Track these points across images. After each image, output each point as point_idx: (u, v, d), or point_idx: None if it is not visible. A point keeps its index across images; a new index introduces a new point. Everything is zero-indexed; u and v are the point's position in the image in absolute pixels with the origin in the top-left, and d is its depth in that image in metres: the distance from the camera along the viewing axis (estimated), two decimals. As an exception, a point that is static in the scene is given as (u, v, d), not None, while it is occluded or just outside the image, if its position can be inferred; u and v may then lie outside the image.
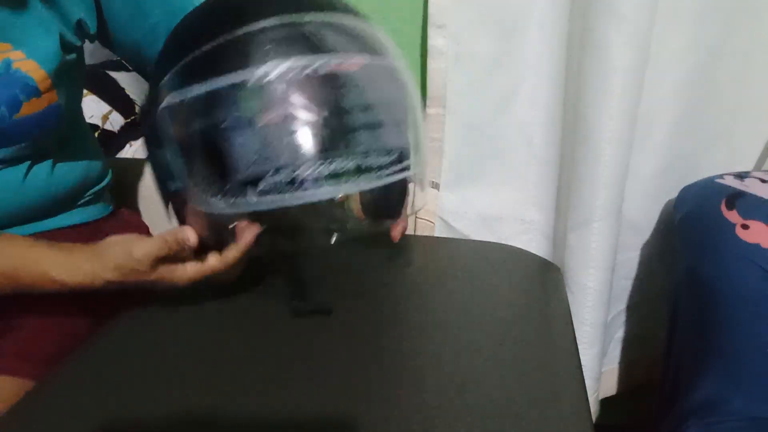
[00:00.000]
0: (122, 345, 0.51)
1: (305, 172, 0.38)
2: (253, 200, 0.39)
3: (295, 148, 0.39)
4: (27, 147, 0.52)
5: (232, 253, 0.46)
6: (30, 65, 0.49)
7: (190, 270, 0.46)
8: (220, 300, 0.56)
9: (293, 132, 0.39)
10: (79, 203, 0.62)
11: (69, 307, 0.58)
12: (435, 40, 0.67)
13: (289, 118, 0.39)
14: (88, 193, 0.62)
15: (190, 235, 0.44)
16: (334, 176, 0.39)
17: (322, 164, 0.39)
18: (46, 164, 0.56)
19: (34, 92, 0.49)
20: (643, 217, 0.75)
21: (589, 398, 0.45)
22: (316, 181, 0.39)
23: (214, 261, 0.46)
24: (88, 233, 0.62)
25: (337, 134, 0.39)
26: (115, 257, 0.45)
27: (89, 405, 0.43)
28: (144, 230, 0.72)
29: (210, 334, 0.51)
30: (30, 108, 0.49)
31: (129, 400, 0.43)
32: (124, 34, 0.56)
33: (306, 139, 0.39)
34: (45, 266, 0.46)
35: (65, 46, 0.51)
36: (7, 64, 0.48)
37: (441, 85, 0.69)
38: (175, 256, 0.45)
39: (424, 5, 0.67)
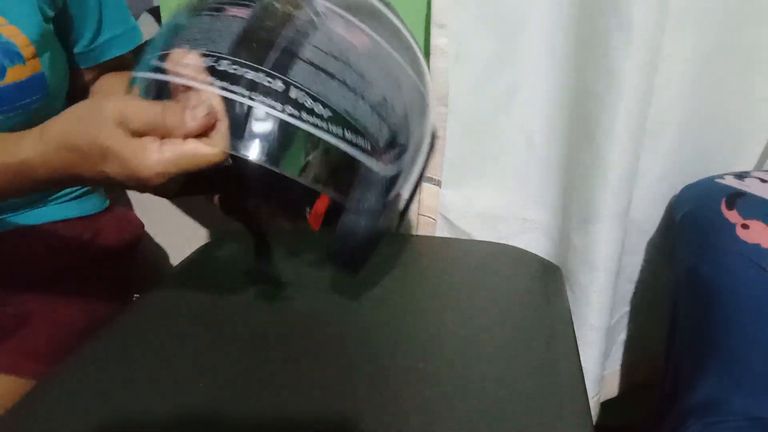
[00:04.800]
0: (122, 345, 0.51)
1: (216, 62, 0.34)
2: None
3: (222, 33, 0.36)
4: (14, 119, 0.52)
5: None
6: (12, 30, 0.49)
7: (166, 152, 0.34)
8: (220, 299, 0.56)
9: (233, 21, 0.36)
10: (73, 195, 0.62)
11: (70, 307, 0.58)
12: (437, 39, 0.67)
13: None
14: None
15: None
16: (250, 86, 0.34)
17: (235, 63, 0.34)
18: None
19: (18, 58, 0.49)
20: (648, 220, 0.74)
21: (590, 400, 0.45)
22: (228, 77, 0.34)
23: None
24: (82, 227, 0.62)
25: (275, 48, 0.35)
26: (74, 113, 0.36)
27: (89, 405, 0.43)
28: (139, 226, 0.72)
29: (210, 333, 0.51)
30: (15, 75, 0.50)
31: (129, 399, 0.43)
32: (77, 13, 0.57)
33: (237, 29, 0.36)
34: None
35: (43, 15, 0.52)
36: None
37: (443, 84, 0.69)
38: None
39: (427, 5, 0.67)
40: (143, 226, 0.72)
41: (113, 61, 0.63)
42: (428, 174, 0.74)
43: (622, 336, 0.82)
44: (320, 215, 0.41)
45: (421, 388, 0.44)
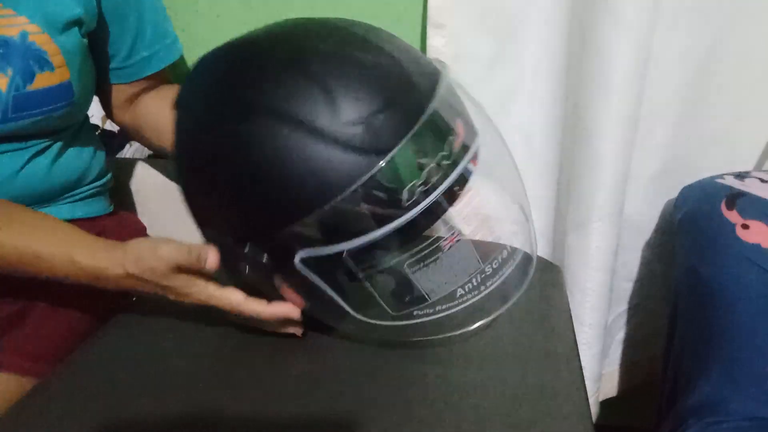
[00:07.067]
0: (122, 345, 0.51)
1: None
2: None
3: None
4: (38, 123, 0.53)
5: (268, 309, 0.45)
6: (44, 38, 0.50)
7: (210, 290, 0.45)
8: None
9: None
10: (81, 197, 0.62)
11: (70, 307, 0.59)
12: (434, 40, 0.67)
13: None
14: (89, 188, 0.62)
15: (211, 257, 0.44)
16: None
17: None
18: (50, 153, 0.57)
19: (47, 65, 0.51)
20: (644, 218, 0.75)
21: (590, 399, 0.45)
22: None
23: (238, 297, 0.45)
24: (87, 229, 0.63)
25: None
26: (139, 250, 0.45)
27: (89, 405, 0.43)
28: (142, 231, 0.72)
29: (210, 334, 0.51)
30: (43, 81, 0.51)
31: (129, 399, 0.43)
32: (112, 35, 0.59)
33: None
34: (68, 246, 0.47)
35: (79, 27, 0.53)
36: (24, 36, 0.50)
37: (440, 86, 0.69)
38: (194, 271, 0.45)
39: (424, 5, 0.67)
40: (146, 229, 0.72)
41: (149, 77, 0.63)
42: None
43: (620, 335, 0.82)
44: None
45: (421, 388, 0.44)
